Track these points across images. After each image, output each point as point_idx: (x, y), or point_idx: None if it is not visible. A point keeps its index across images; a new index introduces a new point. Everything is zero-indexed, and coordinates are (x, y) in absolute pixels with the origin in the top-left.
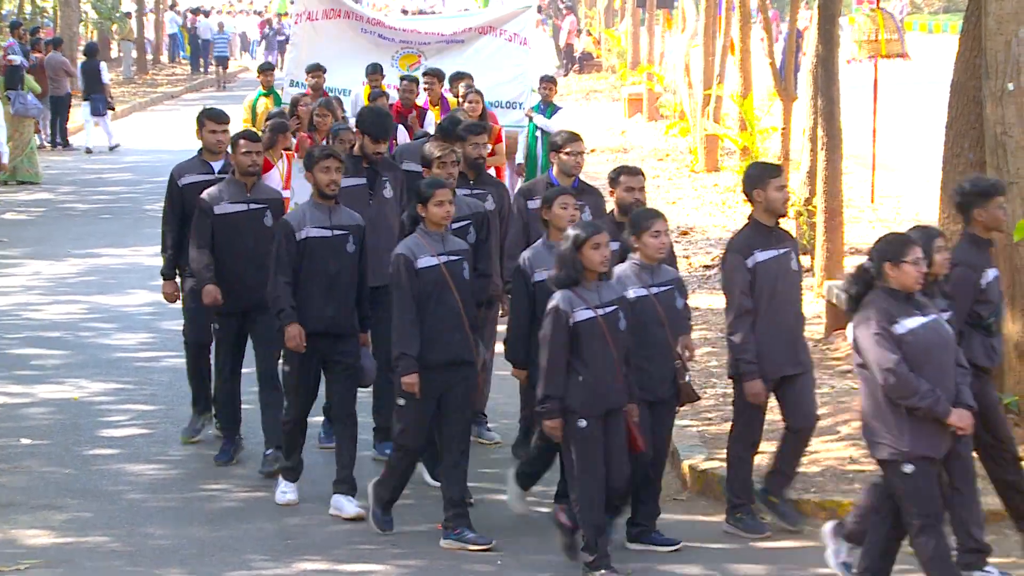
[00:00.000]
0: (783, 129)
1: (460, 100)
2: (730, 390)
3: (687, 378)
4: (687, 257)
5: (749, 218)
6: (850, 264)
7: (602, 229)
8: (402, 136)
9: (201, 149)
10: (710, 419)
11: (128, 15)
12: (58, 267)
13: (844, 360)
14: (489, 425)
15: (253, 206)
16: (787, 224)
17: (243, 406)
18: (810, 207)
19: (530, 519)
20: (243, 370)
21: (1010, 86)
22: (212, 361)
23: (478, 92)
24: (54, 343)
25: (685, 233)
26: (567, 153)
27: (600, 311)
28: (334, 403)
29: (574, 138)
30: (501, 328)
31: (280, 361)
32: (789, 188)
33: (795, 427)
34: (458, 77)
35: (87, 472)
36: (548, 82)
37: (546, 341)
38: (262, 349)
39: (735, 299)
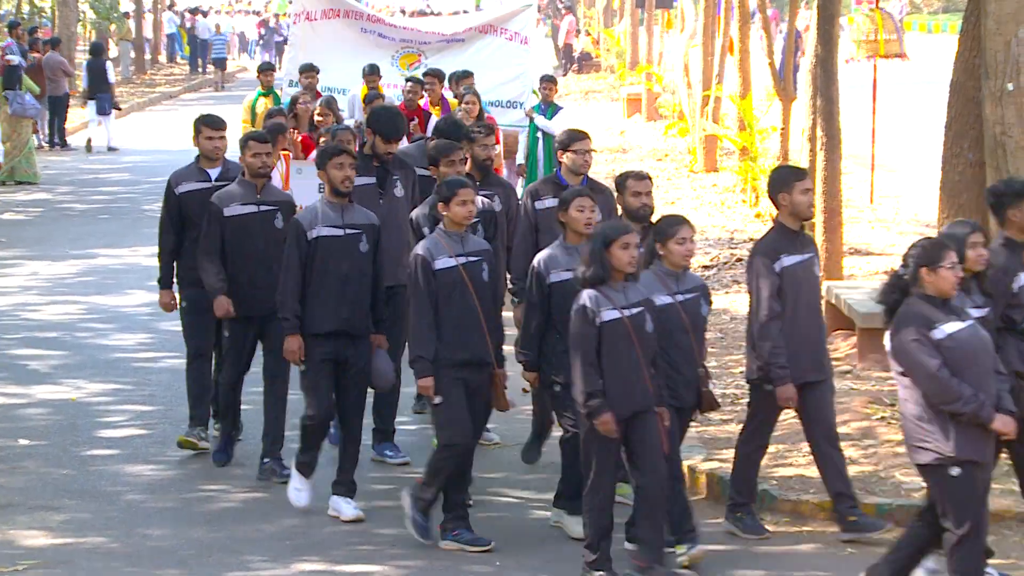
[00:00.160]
0: (782, 129)
1: (458, 100)
2: (730, 391)
3: (710, 385)
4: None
5: (775, 221)
6: (850, 264)
7: (631, 229)
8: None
9: (198, 156)
10: (710, 419)
11: (126, 15)
12: (56, 267)
13: (844, 360)
14: (489, 426)
15: (264, 208)
16: None
17: (243, 407)
18: None
19: (529, 521)
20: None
21: (1009, 86)
22: (213, 367)
23: (475, 93)
24: (52, 343)
25: None
26: (575, 151)
27: (626, 312)
28: (341, 406)
29: (581, 136)
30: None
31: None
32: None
33: (816, 436)
34: (460, 76)
35: (85, 473)
36: (548, 82)
37: (577, 339)
38: (272, 358)
39: (764, 302)
